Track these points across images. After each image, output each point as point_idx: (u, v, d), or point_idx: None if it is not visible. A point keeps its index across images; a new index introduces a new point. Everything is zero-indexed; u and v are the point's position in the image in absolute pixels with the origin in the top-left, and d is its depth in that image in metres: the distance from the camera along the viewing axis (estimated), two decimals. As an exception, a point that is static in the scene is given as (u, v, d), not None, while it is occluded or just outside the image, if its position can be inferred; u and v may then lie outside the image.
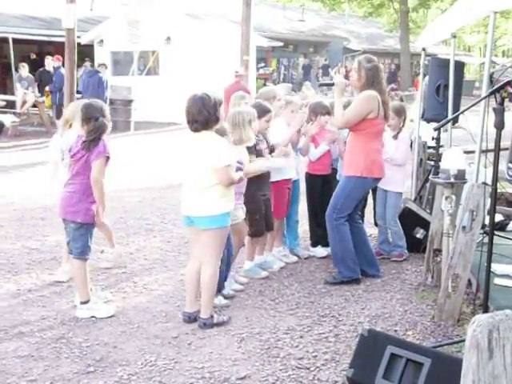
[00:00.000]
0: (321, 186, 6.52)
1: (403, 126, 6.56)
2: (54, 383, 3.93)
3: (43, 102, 17.36)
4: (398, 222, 6.50)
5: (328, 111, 6.43)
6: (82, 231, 4.98)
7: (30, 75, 18.07)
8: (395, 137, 6.47)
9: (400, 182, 6.56)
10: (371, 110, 5.56)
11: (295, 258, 6.47)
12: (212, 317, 4.79)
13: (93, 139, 4.89)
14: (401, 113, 6.52)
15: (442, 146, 7.56)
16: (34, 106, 17.81)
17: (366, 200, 6.61)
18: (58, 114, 15.89)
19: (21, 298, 5.40)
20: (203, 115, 4.59)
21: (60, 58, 16.21)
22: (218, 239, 4.75)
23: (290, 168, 6.19)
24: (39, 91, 17.81)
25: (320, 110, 6.46)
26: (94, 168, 4.91)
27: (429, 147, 8.15)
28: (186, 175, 4.81)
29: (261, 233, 5.87)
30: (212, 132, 4.68)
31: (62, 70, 15.72)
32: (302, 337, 4.61)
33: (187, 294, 4.97)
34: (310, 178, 6.60)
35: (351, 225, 5.83)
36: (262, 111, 5.76)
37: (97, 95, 13.93)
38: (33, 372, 4.07)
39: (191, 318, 4.86)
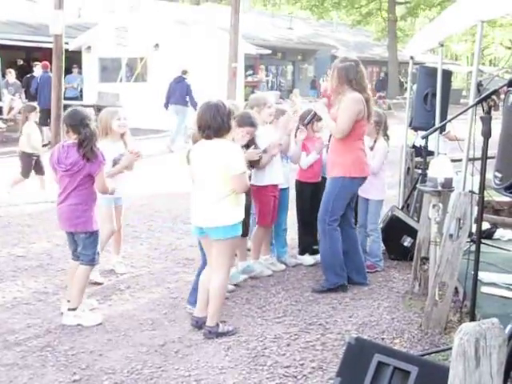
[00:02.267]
0: (311, 193, 6.50)
1: (379, 134, 6.53)
2: (38, 392, 3.91)
3: (30, 108, 17.24)
4: (380, 230, 6.48)
5: (319, 118, 6.43)
6: (91, 239, 4.99)
7: (17, 81, 17.98)
8: (371, 148, 6.45)
9: (380, 189, 6.50)
10: (359, 112, 5.56)
11: (283, 266, 6.44)
12: (218, 325, 4.74)
13: (90, 149, 4.79)
14: (377, 120, 6.45)
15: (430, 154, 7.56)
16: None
17: (357, 204, 6.60)
18: (42, 121, 15.79)
19: (6, 305, 5.36)
20: (217, 122, 4.49)
21: (48, 64, 16.12)
22: (230, 249, 4.71)
23: (278, 174, 6.16)
24: (26, 97, 17.72)
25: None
26: (99, 181, 4.90)
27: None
28: (198, 185, 4.70)
29: None
30: (224, 139, 4.58)
31: (50, 74, 15.63)
32: (289, 345, 4.59)
33: (199, 300, 4.91)
34: (300, 186, 6.59)
35: (345, 229, 5.80)
36: (246, 122, 5.56)
37: (183, 101, 14.15)
38: (18, 381, 4.03)
39: (199, 323, 4.83)
